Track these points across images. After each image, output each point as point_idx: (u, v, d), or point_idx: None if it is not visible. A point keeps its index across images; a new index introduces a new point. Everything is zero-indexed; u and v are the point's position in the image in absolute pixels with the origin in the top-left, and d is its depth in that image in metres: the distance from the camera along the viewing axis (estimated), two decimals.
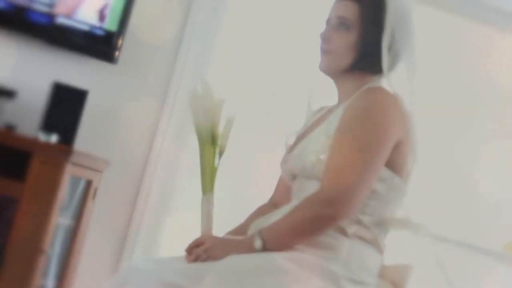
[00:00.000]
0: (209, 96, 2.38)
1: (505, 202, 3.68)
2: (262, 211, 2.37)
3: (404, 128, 2.13)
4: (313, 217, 2.02)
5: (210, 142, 2.39)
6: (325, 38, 2.23)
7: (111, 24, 3.40)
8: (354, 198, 2.02)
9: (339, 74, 2.24)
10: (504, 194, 3.68)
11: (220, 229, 2.37)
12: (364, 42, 2.19)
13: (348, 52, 2.20)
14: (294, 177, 2.25)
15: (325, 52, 2.24)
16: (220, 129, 2.42)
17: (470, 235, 3.67)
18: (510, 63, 3.70)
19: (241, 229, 2.32)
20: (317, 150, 2.14)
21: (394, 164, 2.12)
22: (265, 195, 2.49)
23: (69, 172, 3.02)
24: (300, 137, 2.31)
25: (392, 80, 2.20)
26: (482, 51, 3.68)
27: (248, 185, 3.52)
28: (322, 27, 2.28)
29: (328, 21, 2.26)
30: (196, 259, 2.11)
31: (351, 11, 2.20)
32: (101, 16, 3.39)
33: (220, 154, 2.42)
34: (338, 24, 2.22)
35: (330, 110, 2.31)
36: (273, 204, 2.42)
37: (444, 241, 3.48)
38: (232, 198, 3.35)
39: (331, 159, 2.07)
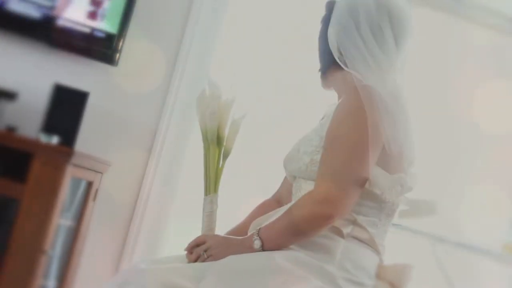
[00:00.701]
0: (216, 96, 2.38)
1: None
2: (264, 207, 2.39)
3: (388, 127, 2.11)
4: (309, 215, 2.02)
5: (215, 143, 2.39)
6: None
7: (111, 26, 3.41)
8: (348, 196, 2.03)
9: (326, 81, 2.29)
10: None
11: (220, 230, 2.38)
12: (320, 42, 2.27)
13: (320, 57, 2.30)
14: (294, 177, 2.26)
15: None
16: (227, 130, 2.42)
17: None
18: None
19: (243, 227, 2.33)
20: (311, 151, 2.15)
21: (386, 164, 2.11)
22: (265, 196, 2.49)
23: (70, 173, 3.02)
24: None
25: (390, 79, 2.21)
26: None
27: (249, 186, 3.52)
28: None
29: None
30: (197, 259, 2.12)
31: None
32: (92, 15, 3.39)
33: (226, 155, 2.42)
34: None
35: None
36: (276, 200, 2.43)
37: (444, 241, 3.49)
38: (232, 198, 3.36)
39: (324, 159, 2.08)
